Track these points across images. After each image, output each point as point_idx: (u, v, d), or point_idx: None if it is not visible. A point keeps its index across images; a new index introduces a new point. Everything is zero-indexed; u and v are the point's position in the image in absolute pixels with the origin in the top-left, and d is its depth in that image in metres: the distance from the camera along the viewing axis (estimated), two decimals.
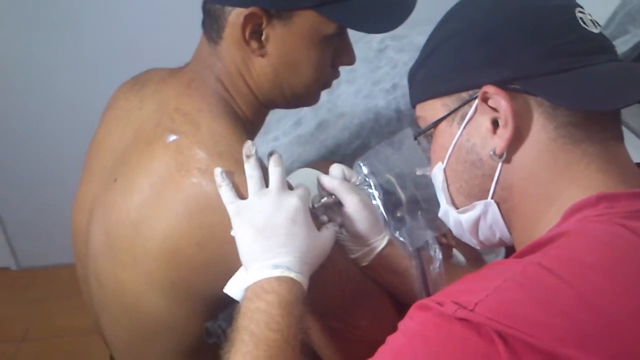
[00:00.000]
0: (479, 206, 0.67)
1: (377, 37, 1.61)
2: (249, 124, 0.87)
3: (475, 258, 1.05)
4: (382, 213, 0.85)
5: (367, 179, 0.87)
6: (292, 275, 0.70)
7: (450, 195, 0.70)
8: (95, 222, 0.88)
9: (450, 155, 0.68)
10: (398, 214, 0.88)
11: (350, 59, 0.86)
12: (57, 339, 2.08)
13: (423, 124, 0.72)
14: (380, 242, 0.83)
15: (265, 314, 0.67)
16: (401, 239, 0.84)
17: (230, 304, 0.75)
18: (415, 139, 0.75)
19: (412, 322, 0.55)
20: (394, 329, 0.57)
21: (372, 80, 1.54)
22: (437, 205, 0.74)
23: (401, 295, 0.86)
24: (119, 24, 1.89)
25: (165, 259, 0.79)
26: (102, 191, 0.88)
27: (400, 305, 0.86)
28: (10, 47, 1.94)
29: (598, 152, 0.61)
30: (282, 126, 1.56)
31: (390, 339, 0.56)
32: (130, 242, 0.81)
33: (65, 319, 2.10)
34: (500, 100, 0.61)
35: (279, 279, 0.70)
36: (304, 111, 1.53)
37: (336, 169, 0.86)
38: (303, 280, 0.71)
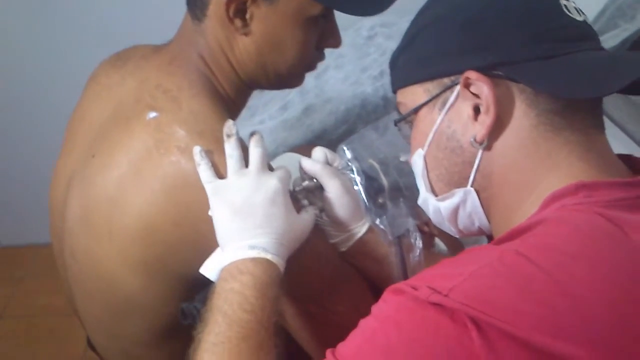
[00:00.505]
0: (458, 194, 0.66)
1: (366, 24, 1.60)
2: (231, 103, 0.86)
3: (458, 247, 1.05)
4: (363, 199, 0.85)
5: (349, 164, 0.86)
6: (269, 256, 0.69)
7: (430, 183, 0.70)
8: (72, 197, 0.87)
9: (430, 141, 0.67)
10: (380, 200, 0.87)
11: (336, 41, 0.85)
12: (35, 318, 2.07)
13: (404, 110, 0.71)
14: (360, 229, 0.82)
15: (239, 294, 0.66)
16: (381, 226, 0.84)
17: (207, 285, 0.74)
18: (396, 124, 0.74)
19: (385, 305, 0.55)
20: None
21: (360, 66, 1.53)
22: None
23: (379, 281, 0.85)
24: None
25: (141, 236, 0.78)
26: (80, 166, 0.87)
27: (379, 292, 0.85)
28: None
29: (579, 140, 0.60)
30: (269, 110, 1.55)
31: (363, 323, 0.56)
32: (106, 217, 0.80)
33: (44, 298, 2.09)
34: (482, 87, 0.60)
35: (254, 260, 0.69)
36: (291, 95, 1.52)
37: (319, 152, 0.85)
38: (279, 262, 0.70)
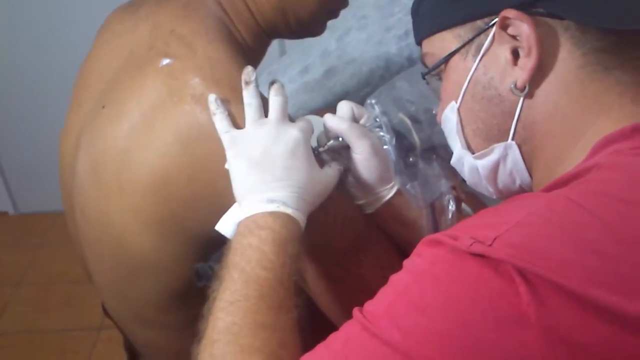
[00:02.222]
0: (497, 149, 0.61)
1: None
2: (249, 52, 0.81)
3: None
4: (393, 160, 0.79)
5: (377, 120, 0.80)
6: (289, 211, 0.64)
7: (466, 139, 0.65)
8: (81, 152, 0.83)
9: (464, 92, 0.62)
10: (411, 159, 0.82)
11: None
12: (52, 285, 2.09)
13: (431, 61, 0.65)
14: (388, 192, 0.77)
15: (257, 250, 0.62)
16: (412, 192, 0.78)
17: (222, 245, 0.70)
18: (424, 77, 0.69)
19: (420, 259, 0.50)
20: None
21: (384, 26, 1.48)
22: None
23: (408, 246, 0.80)
24: None
25: (153, 192, 0.74)
26: (90, 118, 0.82)
27: (406, 256, 0.81)
28: None
29: (632, 80, 0.55)
30: (289, 73, 1.51)
31: (395, 278, 0.51)
32: (117, 172, 0.76)
33: (61, 265, 2.11)
34: (522, 26, 0.55)
35: (273, 214, 0.64)
36: (312, 58, 1.48)
37: (344, 107, 0.79)
38: (300, 217, 0.66)
